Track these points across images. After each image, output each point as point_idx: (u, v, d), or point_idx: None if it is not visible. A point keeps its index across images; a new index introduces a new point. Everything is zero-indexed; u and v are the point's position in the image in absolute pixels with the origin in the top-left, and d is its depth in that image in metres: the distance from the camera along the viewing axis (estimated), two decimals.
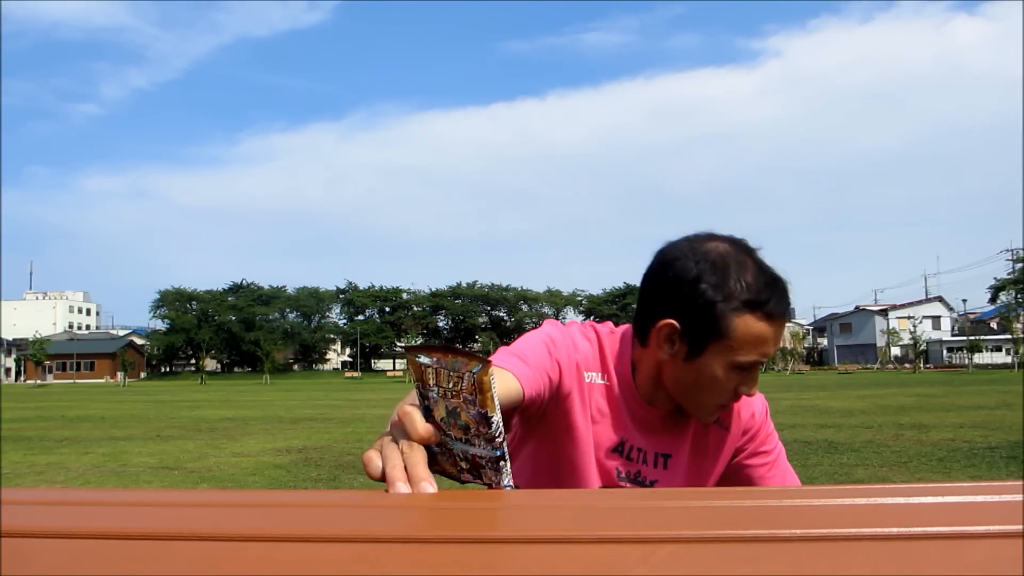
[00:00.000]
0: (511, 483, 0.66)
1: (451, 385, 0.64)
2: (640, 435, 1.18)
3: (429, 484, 0.64)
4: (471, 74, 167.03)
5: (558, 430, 1.15)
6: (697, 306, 1.05)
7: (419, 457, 0.66)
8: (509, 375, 1.00)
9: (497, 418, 0.63)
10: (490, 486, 0.66)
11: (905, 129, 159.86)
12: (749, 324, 1.05)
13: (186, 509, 0.60)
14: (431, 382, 0.66)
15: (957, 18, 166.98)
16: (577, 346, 1.16)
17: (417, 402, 0.69)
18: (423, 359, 0.65)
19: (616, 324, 1.25)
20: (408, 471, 0.64)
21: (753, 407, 1.27)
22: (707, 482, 1.24)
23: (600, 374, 1.17)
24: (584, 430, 1.15)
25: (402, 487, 0.63)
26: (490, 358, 1.00)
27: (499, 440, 0.64)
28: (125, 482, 6.83)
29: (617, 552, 0.44)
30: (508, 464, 0.65)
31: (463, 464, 0.67)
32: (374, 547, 0.47)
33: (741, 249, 1.08)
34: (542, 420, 1.14)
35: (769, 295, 1.05)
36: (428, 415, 0.68)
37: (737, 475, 1.27)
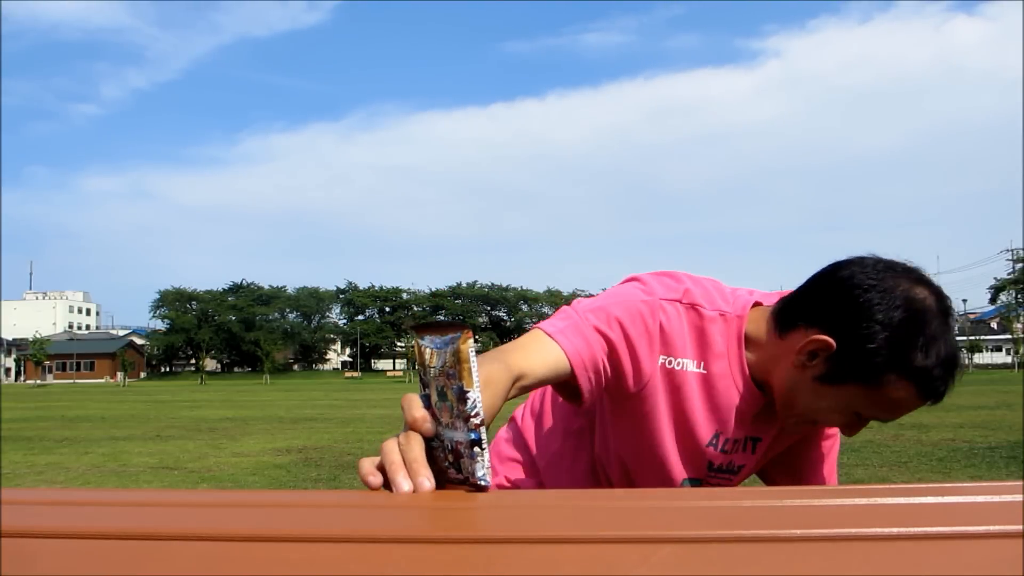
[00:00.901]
0: (487, 477, 0.59)
1: (440, 363, 0.60)
2: (737, 424, 1.09)
3: (427, 480, 0.60)
4: (471, 74, 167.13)
5: (638, 415, 1.06)
6: (866, 345, 0.93)
7: (417, 451, 0.62)
8: (554, 346, 0.93)
9: (474, 394, 0.57)
10: (467, 480, 0.60)
11: (904, 129, 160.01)
12: (903, 391, 0.95)
13: (186, 509, 0.60)
14: (428, 363, 0.62)
15: (956, 18, 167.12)
16: (665, 328, 1.01)
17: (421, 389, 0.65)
18: (424, 340, 0.62)
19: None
20: (408, 467, 0.61)
21: None
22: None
23: (695, 362, 1.04)
24: (665, 420, 1.06)
25: (403, 483, 0.60)
26: (545, 321, 0.98)
27: (475, 420, 0.58)
28: (125, 482, 6.83)
29: (617, 552, 0.44)
30: (486, 452, 0.58)
31: (449, 457, 0.61)
32: (374, 547, 0.47)
33: (943, 312, 0.94)
34: (625, 399, 1.05)
35: (942, 378, 0.93)
36: (427, 402, 0.64)
37: (792, 449, 1.21)
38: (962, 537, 0.46)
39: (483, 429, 0.58)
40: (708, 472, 1.13)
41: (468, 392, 0.57)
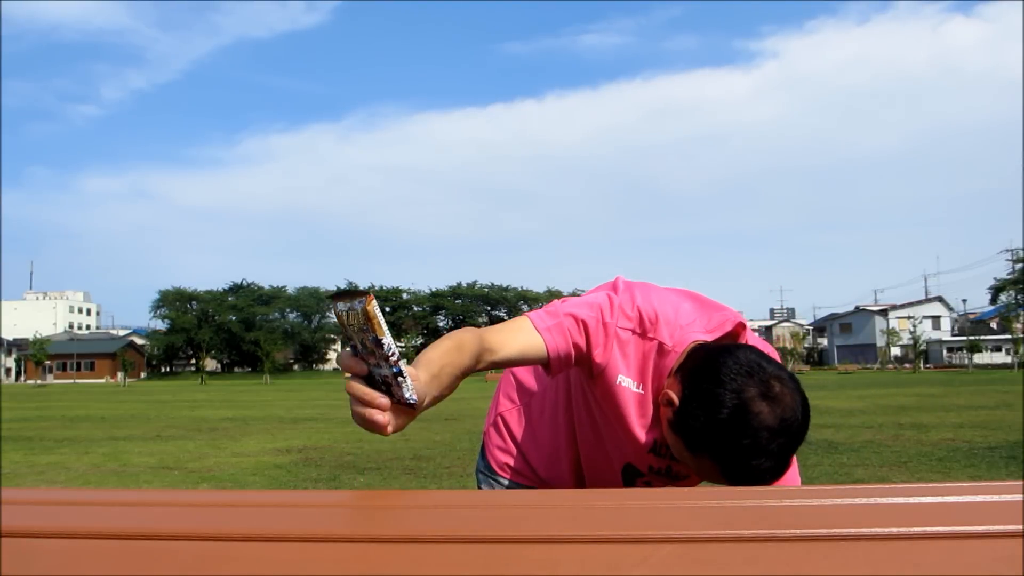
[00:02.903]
0: (413, 396, 0.77)
1: (355, 322, 0.76)
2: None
3: (380, 396, 0.78)
4: (470, 75, 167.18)
5: (606, 400, 1.21)
6: (693, 417, 1.06)
7: (363, 387, 0.79)
8: (538, 338, 1.12)
9: (387, 340, 0.74)
10: (399, 401, 0.78)
11: (903, 129, 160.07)
12: (712, 471, 1.07)
13: (186, 509, 0.60)
14: (346, 324, 0.78)
15: (953, 19, 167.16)
16: (622, 343, 1.17)
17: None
18: (339, 306, 0.77)
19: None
20: (364, 396, 0.77)
21: None
22: None
23: (636, 383, 1.19)
24: (621, 415, 1.21)
25: (376, 415, 0.77)
26: (533, 312, 1.16)
27: (393, 359, 0.75)
28: (125, 482, 6.83)
29: (617, 552, 0.44)
30: (407, 379, 0.77)
31: (382, 388, 0.79)
32: (374, 547, 0.47)
33: (780, 434, 1.02)
34: (595, 382, 1.20)
35: (744, 476, 1.02)
36: (355, 352, 0.80)
37: None
38: (962, 537, 0.46)
39: (402, 363, 0.76)
40: (648, 472, 1.28)
41: (382, 339, 0.74)
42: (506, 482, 1.45)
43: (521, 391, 1.49)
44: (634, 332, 1.17)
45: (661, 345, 1.17)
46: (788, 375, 1.07)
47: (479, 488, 1.53)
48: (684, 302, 1.24)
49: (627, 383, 1.18)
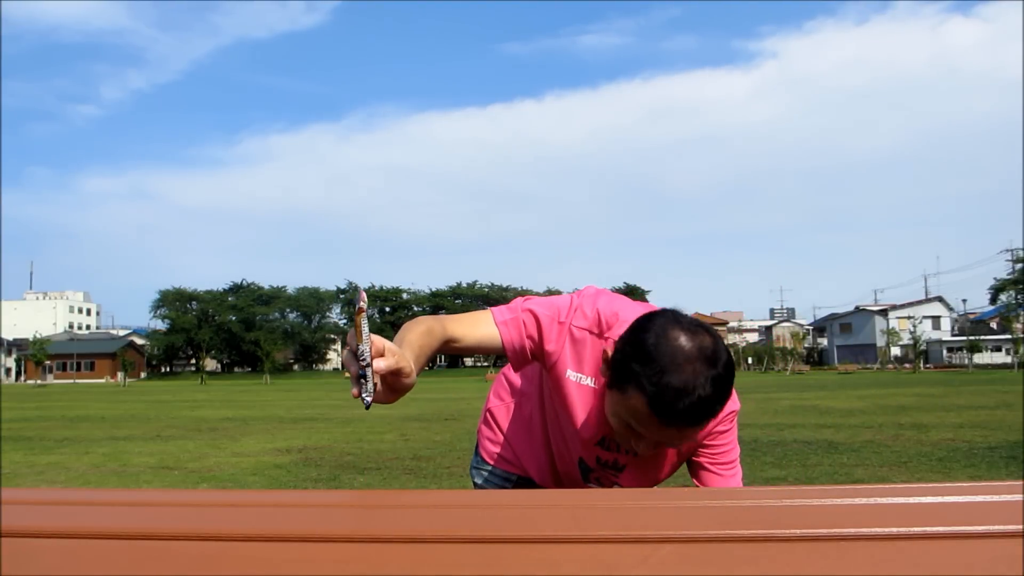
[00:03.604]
0: (368, 400, 0.91)
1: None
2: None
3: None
4: (469, 75, 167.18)
5: (556, 393, 1.33)
6: (620, 355, 1.15)
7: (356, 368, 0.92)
8: (495, 331, 1.27)
9: (364, 347, 0.89)
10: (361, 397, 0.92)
11: (903, 129, 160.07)
12: (637, 402, 1.11)
13: (186, 509, 0.60)
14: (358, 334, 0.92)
15: (952, 19, 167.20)
16: (576, 342, 1.28)
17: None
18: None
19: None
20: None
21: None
22: (663, 467, 1.40)
23: (590, 378, 1.29)
24: (574, 407, 1.32)
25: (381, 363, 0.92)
26: (496, 307, 1.28)
27: (363, 363, 0.90)
28: (125, 482, 6.83)
29: (617, 552, 0.44)
30: (369, 383, 0.91)
31: (364, 382, 0.92)
32: (374, 547, 0.47)
33: (700, 359, 1.09)
34: (549, 376, 1.33)
35: (668, 401, 1.08)
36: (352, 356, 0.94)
37: (689, 466, 1.41)
38: (962, 537, 0.46)
39: (368, 369, 0.91)
40: (595, 464, 1.40)
41: (360, 346, 0.90)
42: (490, 467, 1.58)
43: (510, 389, 1.61)
44: (590, 332, 1.28)
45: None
46: (710, 328, 1.15)
47: (475, 485, 1.63)
48: (637, 307, 1.32)
49: (575, 377, 1.29)
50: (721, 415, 1.32)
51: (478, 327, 1.27)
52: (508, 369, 1.61)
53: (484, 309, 1.31)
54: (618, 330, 1.24)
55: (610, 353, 1.18)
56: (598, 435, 1.34)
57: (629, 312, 1.28)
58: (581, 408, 1.31)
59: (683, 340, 1.11)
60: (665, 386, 1.08)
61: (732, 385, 1.15)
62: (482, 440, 1.63)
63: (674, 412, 1.09)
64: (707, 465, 1.37)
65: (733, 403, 1.35)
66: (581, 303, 1.29)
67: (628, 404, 1.14)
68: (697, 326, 1.15)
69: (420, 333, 1.12)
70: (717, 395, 1.11)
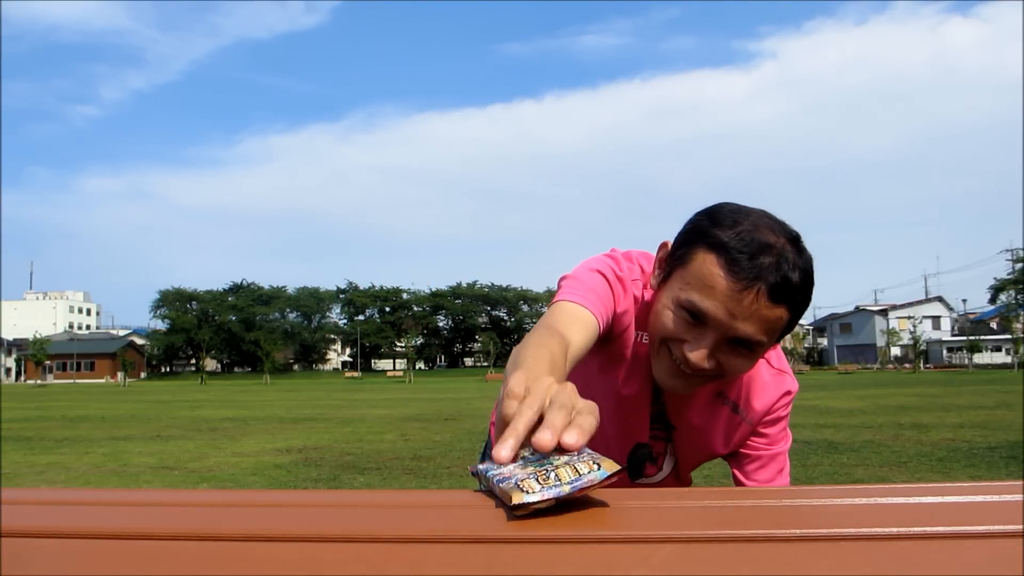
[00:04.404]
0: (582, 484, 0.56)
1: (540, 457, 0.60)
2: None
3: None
4: (469, 76, 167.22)
5: (615, 364, 1.15)
6: (689, 229, 1.03)
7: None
8: (590, 315, 1.01)
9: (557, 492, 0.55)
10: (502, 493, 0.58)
11: (903, 129, 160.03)
12: (706, 263, 0.97)
13: (186, 509, 0.60)
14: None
15: (951, 20, 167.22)
16: (637, 299, 1.12)
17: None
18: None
19: None
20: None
21: (772, 395, 1.23)
22: (714, 441, 1.23)
23: (645, 335, 1.12)
24: (635, 377, 1.16)
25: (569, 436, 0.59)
26: (563, 293, 1.07)
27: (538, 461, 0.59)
28: (125, 482, 6.82)
29: (617, 552, 0.44)
30: (555, 470, 0.57)
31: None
32: (374, 547, 0.47)
33: (780, 231, 0.98)
34: (611, 344, 1.13)
35: (745, 253, 0.94)
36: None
37: (733, 460, 1.28)
38: (962, 537, 0.46)
39: (551, 462, 0.59)
40: (649, 439, 1.22)
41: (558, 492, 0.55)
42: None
43: None
44: (645, 286, 1.13)
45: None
46: None
47: (479, 487, 1.51)
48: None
49: (637, 336, 1.13)
50: (779, 396, 1.23)
51: (577, 320, 1.00)
52: None
53: (552, 304, 1.06)
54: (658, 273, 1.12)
55: (669, 245, 1.05)
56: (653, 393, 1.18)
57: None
58: (642, 369, 1.14)
59: (762, 214, 1.00)
60: (745, 239, 0.95)
61: (812, 291, 1.00)
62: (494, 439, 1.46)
63: (754, 267, 0.94)
64: (756, 456, 1.26)
65: (792, 382, 1.25)
66: (623, 256, 1.15)
67: (693, 271, 0.98)
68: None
69: (556, 349, 0.86)
70: (803, 281, 0.96)
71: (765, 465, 1.28)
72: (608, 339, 1.12)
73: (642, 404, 1.18)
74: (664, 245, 1.08)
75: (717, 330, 0.99)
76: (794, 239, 1.00)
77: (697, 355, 1.01)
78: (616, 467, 0.55)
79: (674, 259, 1.03)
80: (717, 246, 0.96)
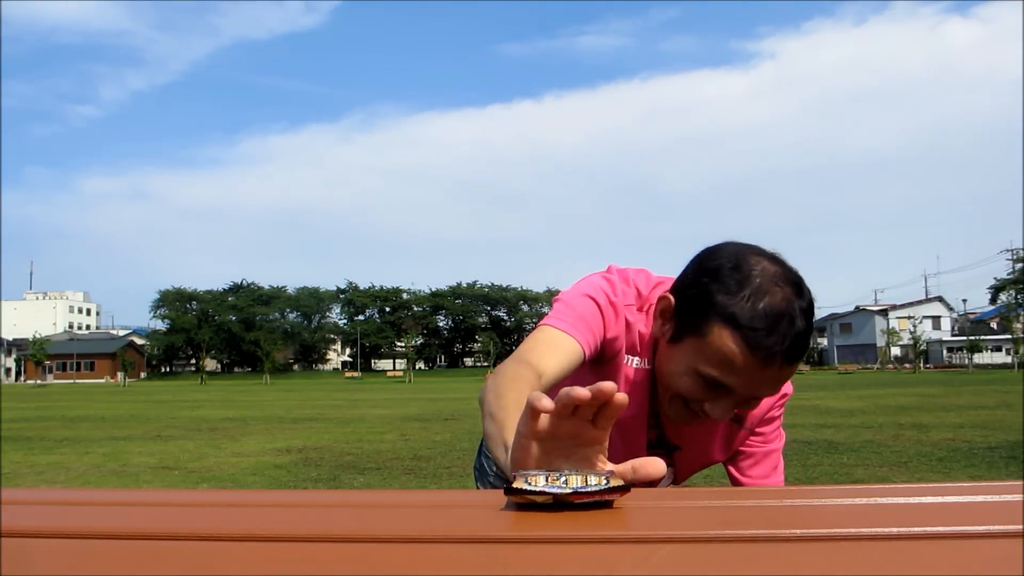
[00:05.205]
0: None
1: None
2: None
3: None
4: (468, 76, 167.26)
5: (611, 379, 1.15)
6: (695, 294, 1.00)
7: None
8: (573, 342, 1.04)
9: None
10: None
11: (901, 130, 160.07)
12: (725, 340, 0.96)
13: (186, 509, 0.60)
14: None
15: (950, 20, 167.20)
16: (630, 324, 1.12)
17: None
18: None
19: None
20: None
21: (770, 399, 1.24)
22: (712, 451, 1.25)
23: (643, 359, 1.14)
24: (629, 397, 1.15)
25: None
26: (549, 318, 1.09)
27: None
28: (125, 482, 6.83)
29: (617, 552, 0.44)
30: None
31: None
32: (374, 547, 0.47)
33: (787, 283, 0.97)
34: (602, 366, 1.14)
35: (764, 330, 0.94)
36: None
37: (731, 458, 1.29)
38: (962, 537, 0.46)
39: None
40: (648, 449, 1.21)
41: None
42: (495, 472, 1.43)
43: None
44: (639, 309, 1.13)
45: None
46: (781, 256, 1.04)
47: (477, 488, 1.52)
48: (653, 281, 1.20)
49: (629, 360, 1.13)
50: (776, 400, 1.24)
51: (557, 348, 1.03)
52: None
53: (537, 327, 1.09)
54: (658, 293, 1.11)
55: (672, 300, 1.03)
56: (651, 417, 1.18)
57: (663, 279, 1.16)
58: (638, 394, 1.15)
59: (765, 262, 0.98)
60: (759, 312, 0.94)
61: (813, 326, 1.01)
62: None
63: (774, 344, 0.94)
64: (751, 453, 1.26)
65: (787, 385, 1.23)
66: (618, 278, 1.15)
67: (712, 347, 0.97)
68: (771, 253, 1.02)
69: (525, 393, 0.89)
70: (808, 328, 0.97)
71: (760, 462, 1.29)
72: (599, 362, 1.13)
73: (640, 427, 1.20)
74: (665, 299, 1.05)
75: (738, 395, 1.02)
76: (797, 284, 0.99)
77: (719, 413, 1.04)
78: (621, 482, 0.56)
79: (685, 324, 1.02)
80: (733, 321, 0.95)
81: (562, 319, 1.07)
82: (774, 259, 1.01)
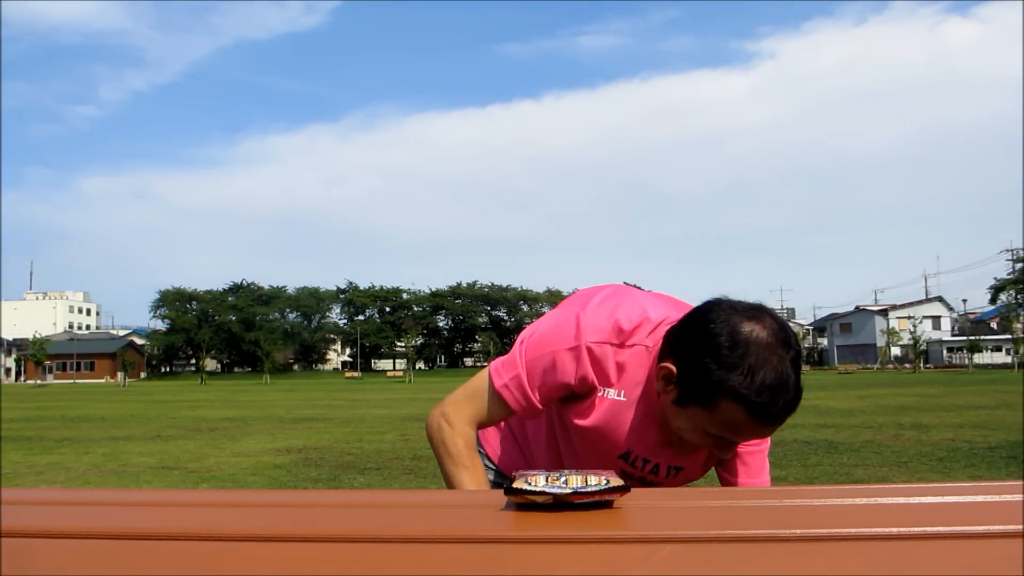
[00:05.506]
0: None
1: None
2: (651, 448, 1.25)
3: None
4: (468, 76, 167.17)
5: (580, 415, 1.24)
6: (698, 369, 1.07)
7: None
8: (506, 407, 1.21)
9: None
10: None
11: (900, 130, 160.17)
12: (733, 412, 1.05)
13: (186, 509, 0.60)
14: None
15: (950, 20, 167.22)
16: (600, 360, 1.17)
17: None
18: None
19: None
20: None
21: None
22: (696, 474, 1.32)
23: (617, 391, 1.19)
24: (595, 428, 1.23)
25: None
26: (497, 363, 1.18)
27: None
28: (125, 482, 6.83)
29: (617, 552, 0.44)
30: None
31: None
32: (374, 547, 0.47)
33: (778, 345, 1.05)
34: (572, 404, 1.24)
35: (767, 402, 1.04)
36: None
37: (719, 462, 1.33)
38: (962, 537, 0.46)
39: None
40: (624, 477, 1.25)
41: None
42: (495, 467, 1.47)
43: None
44: (610, 344, 1.17)
45: (646, 348, 1.18)
46: (764, 306, 1.11)
47: None
48: (656, 300, 1.26)
49: (603, 392, 1.19)
50: None
51: (488, 404, 1.21)
52: None
53: (483, 371, 1.23)
54: (643, 335, 1.17)
55: (674, 369, 1.10)
56: (624, 449, 1.25)
57: (650, 310, 1.20)
58: (613, 425, 1.22)
59: (757, 330, 1.06)
60: (762, 387, 1.03)
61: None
62: (485, 437, 1.49)
63: (777, 411, 1.05)
64: (739, 455, 1.30)
65: None
66: (591, 315, 1.19)
67: (722, 418, 1.07)
68: (755, 308, 1.10)
69: (471, 457, 1.20)
70: (799, 375, 1.07)
71: (747, 463, 1.33)
72: (575, 398, 1.22)
73: (611, 454, 1.26)
74: (666, 368, 1.12)
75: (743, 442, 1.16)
76: (785, 341, 1.07)
77: (723, 453, 1.17)
78: (621, 482, 0.58)
79: (690, 395, 1.10)
80: (737, 396, 1.04)
81: (500, 370, 1.21)
82: (761, 319, 1.07)
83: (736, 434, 1.09)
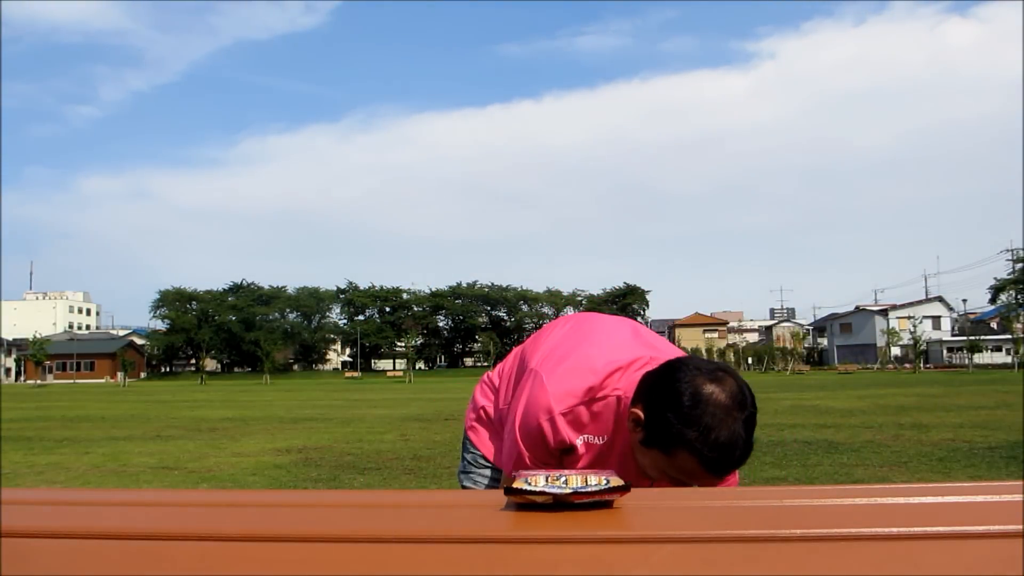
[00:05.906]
0: None
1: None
2: (637, 478, 1.31)
3: None
4: (467, 76, 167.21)
5: (566, 464, 1.36)
6: (661, 419, 1.19)
7: None
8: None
9: None
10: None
11: (900, 130, 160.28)
12: (687, 462, 1.18)
13: (186, 509, 0.60)
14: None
15: (949, 20, 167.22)
16: (579, 421, 1.31)
17: None
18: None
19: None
20: None
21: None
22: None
23: (597, 437, 1.33)
24: (587, 467, 1.35)
25: None
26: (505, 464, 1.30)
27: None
28: (125, 482, 6.83)
29: (617, 552, 0.44)
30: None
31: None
32: (374, 547, 0.47)
33: (734, 407, 1.17)
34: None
35: (717, 457, 1.16)
36: None
37: None
38: (962, 537, 0.46)
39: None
40: None
41: None
42: (491, 464, 1.53)
43: (496, 390, 1.62)
44: (583, 403, 1.31)
45: (618, 399, 1.30)
46: (728, 367, 1.24)
47: (463, 487, 1.58)
48: (623, 338, 1.40)
49: (583, 439, 1.32)
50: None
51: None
52: (495, 371, 1.65)
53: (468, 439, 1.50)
54: (613, 383, 1.29)
55: (642, 415, 1.23)
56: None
57: (618, 350, 1.34)
58: (599, 464, 1.35)
59: (716, 392, 1.18)
60: (715, 444, 1.15)
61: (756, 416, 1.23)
62: (479, 439, 1.59)
63: (727, 466, 1.18)
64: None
65: None
66: (559, 380, 1.32)
67: (678, 464, 1.20)
68: (718, 370, 1.21)
69: None
70: (750, 433, 1.19)
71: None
72: (562, 452, 1.35)
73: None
74: (635, 413, 1.24)
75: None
76: (741, 402, 1.18)
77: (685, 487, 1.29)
78: (621, 482, 0.58)
79: (654, 439, 1.22)
80: (695, 451, 1.17)
81: (511, 468, 1.35)
82: (723, 381, 1.19)
83: (690, 479, 1.21)
